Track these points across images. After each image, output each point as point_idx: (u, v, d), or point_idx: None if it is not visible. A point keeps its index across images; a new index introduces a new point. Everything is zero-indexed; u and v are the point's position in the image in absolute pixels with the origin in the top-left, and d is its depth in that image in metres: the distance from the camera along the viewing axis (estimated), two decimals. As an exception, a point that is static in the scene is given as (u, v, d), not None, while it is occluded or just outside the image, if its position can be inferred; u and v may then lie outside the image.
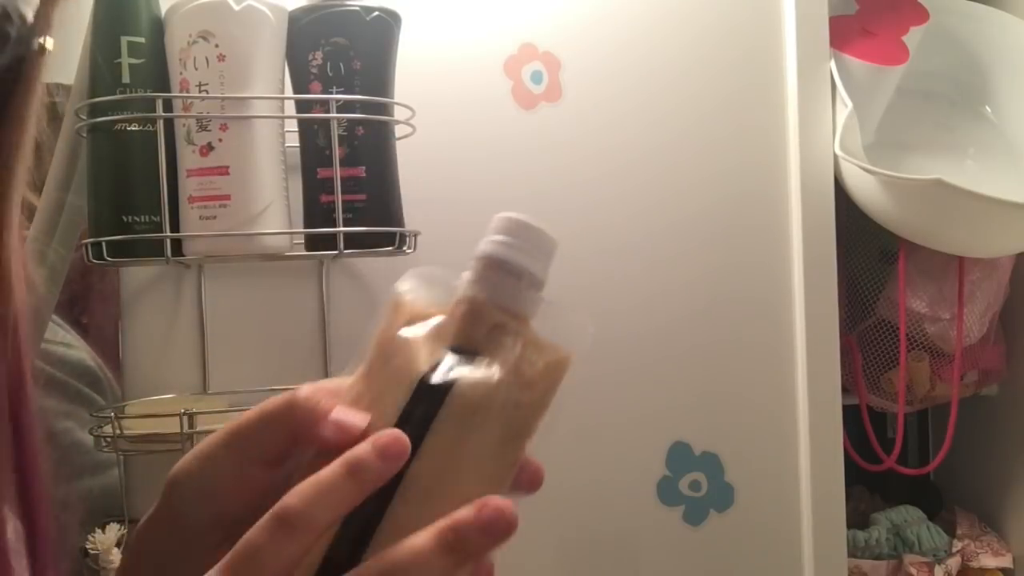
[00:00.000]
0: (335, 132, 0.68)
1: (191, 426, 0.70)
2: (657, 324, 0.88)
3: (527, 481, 0.39)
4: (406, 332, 0.36)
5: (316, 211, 0.71)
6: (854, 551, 0.94)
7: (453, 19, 0.84)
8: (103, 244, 0.66)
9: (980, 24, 1.01)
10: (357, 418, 0.35)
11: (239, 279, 0.80)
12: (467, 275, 0.37)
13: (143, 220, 0.67)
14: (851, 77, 0.90)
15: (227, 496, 0.37)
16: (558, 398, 0.37)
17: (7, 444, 0.31)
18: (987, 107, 1.02)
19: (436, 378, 0.34)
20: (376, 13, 0.70)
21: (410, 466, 0.34)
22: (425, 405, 0.34)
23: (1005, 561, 0.99)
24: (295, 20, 0.70)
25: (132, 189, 0.67)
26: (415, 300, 0.37)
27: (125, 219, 0.67)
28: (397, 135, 0.74)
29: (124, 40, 0.67)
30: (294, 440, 0.36)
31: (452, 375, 0.35)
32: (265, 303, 0.80)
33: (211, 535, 0.37)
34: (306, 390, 0.36)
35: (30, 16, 0.29)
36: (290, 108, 0.72)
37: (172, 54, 0.68)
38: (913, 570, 0.95)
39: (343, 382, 0.37)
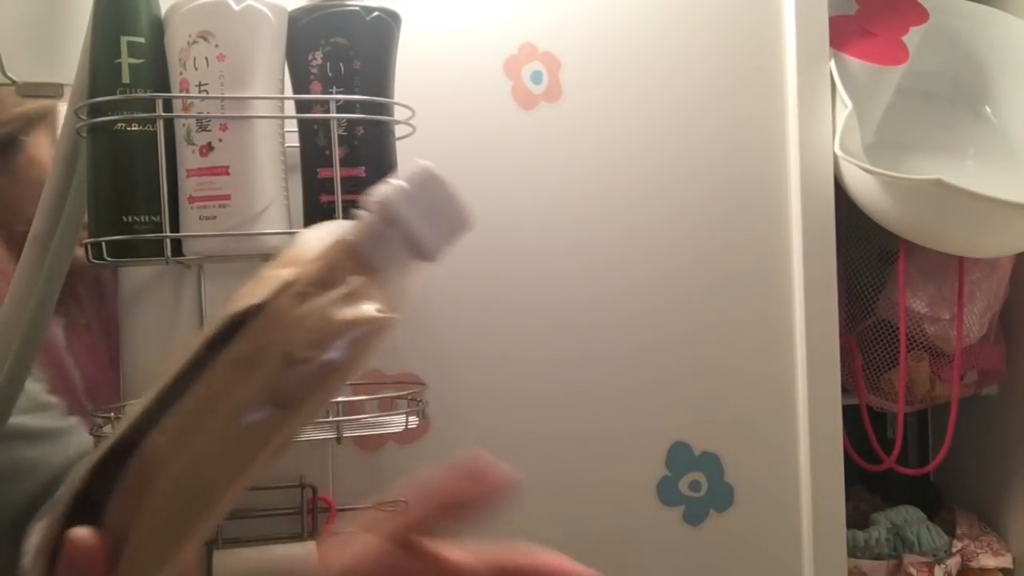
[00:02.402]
0: (335, 132, 0.68)
1: (191, 426, 0.70)
2: (657, 325, 0.88)
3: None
4: (271, 270, 0.33)
5: (316, 211, 0.71)
6: (854, 551, 0.94)
7: (453, 19, 0.84)
8: (103, 244, 0.66)
9: (980, 24, 1.01)
10: None
11: (239, 279, 0.78)
12: (364, 208, 0.34)
13: (143, 220, 0.67)
14: (851, 77, 0.90)
15: None
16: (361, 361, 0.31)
17: None
18: (987, 107, 1.02)
19: (239, 307, 0.31)
20: (376, 13, 0.70)
21: (180, 396, 0.31)
22: (218, 334, 0.31)
23: (1005, 561, 0.99)
24: (295, 20, 0.70)
25: (132, 189, 0.67)
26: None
27: (125, 219, 0.67)
28: (397, 135, 0.74)
29: (124, 40, 0.67)
30: None
31: (250, 304, 0.31)
32: (265, 303, 0.80)
33: None
34: None
35: None
36: (290, 108, 0.72)
37: (172, 54, 0.68)
38: (913, 570, 0.95)
39: None
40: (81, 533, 0.30)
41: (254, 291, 0.32)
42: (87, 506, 0.31)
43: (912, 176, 0.84)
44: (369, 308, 0.31)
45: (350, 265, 0.32)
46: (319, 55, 0.69)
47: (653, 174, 0.88)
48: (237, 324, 0.31)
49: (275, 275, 0.32)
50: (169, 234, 0.67)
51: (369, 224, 0.32)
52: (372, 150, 0.71)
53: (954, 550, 0.98)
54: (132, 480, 0.30)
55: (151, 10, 0.68)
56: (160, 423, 0.30)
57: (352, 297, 0.31)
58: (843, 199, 0.91)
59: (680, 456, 0.88)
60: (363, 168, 0.70)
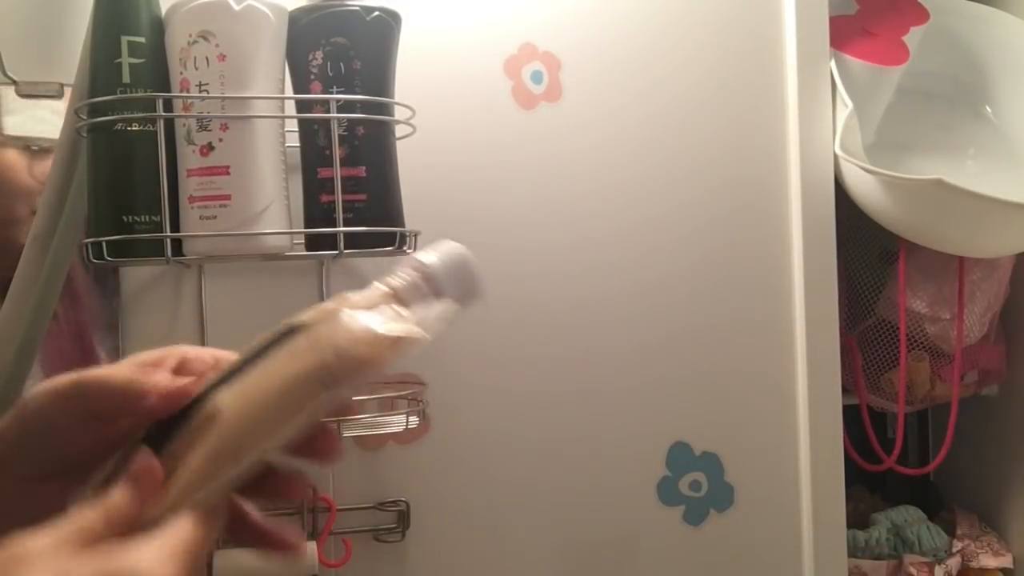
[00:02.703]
0: (335, 132, 0.68)
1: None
2: (657, 324, 0.88)
3: (322, 449, 0.41)
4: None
5: (316, 211, 0.71)
6: (854, 551, 0.94)
7: (453, 19, 0.84)
8: (103, 244, 0.66)
9: (980, 24, 1.01)
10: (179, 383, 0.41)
11: (239, 279, 0.80)
12: (404, 267, 0.44)
13: (143, 220, 0.67)
14: (851, 77, 0.90)
15: (66, 444, 0.41)
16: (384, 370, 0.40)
17: None
18: (987, 107, 1.02)
19: (296, 321, 0.40)
20: (376, 13, 0.70)
21: (244, 371, 0.40)
22: (278, 335, 0.40)
23: (1005, 561, 0.99)
24: (295, 20, 0.70)
25: (132, 189, 0.67)
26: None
27: (125, 219, 0.67)
28: (397, 135, 0.74)
29: (124, 40, 0.67)
30: (129, 407, 0.40)
31: (306, 319, 0.40)
32: (265, 303, 0.80)
33: (46, 481, 0.41)
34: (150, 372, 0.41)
35: None
36: (290, 108, 0.72)
37: (172, 54, 0.68)
38: (913, 570, 0.95)
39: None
40: (145, 454, 0.38)
41: (310, 312, 0.40)
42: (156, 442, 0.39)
43: (912, 176, 0.84)
44: (404, 326, 0.40)
45: (391, 301, 0.42)
46: (319, 55, 0.69)
47: (653, 174, 0.88)
48: (297, 329, 0.40)
49: (332, 304, 0.41)
50: (169, 234, 0.66)
51: (410, 278, 0.43)
52: (372, 150, 0.71)
53: (954, 550, 0.98)
54: (197, 423, 0.38)
55: (151, 10, 0.68)
56: (228, 384, 0.39)
57: (391, 318, 0.41)
58: (843, 199, 0.91)
59: (680, 456, 0.88)
60: (363, 168, 0.70)
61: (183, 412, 0.39)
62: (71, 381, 0.40)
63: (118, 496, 0.36)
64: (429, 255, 0.44)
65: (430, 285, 0.43)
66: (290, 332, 0.39)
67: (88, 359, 0.78)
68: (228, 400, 0.38)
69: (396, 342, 0.40)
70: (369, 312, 0.40)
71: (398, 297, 0.42)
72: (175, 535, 0.35)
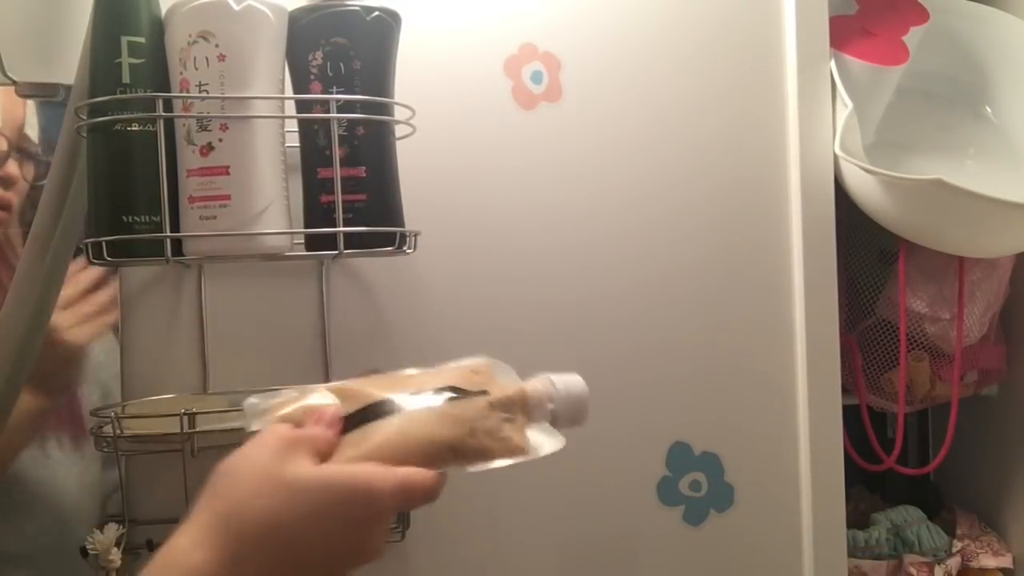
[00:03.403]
0: (335, 132, 0.68)
1: (191, 426, 0.70)
2: (657, 325, 0.88)
3: None
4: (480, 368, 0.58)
5: (316, 211, 0.71)
6: (854, 551, 0.94)
7: (453, 19, 0.84)
8: (103, 244, 0.66)
9: (980, 24, 1.01)
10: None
11: (239, 279, 0.80)
12: (540, 383, 0.57)
13: (143, 220, 0.67)
14: (851, 77, 0.90)
15: None
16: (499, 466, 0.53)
17: None
18: (987, 107, 1.02)
19: (452, 392, 0.54)
20: (376, 13, 0.70)
21: (408, 405, 0.53)
22: (443, 390, 0.54)
23: (1005, 561, 0.99)
24: (295, 20, 0.70)
25: (132, 189, 0.67)
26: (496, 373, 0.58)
27: (125, 219, 0.67)
28: (397, 135, 0.74)
29: (124, 40, 0.67)
30: None
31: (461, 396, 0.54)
32: (265, 303, 0.80)
33: None
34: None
35: None
36: (290, 108, 0.72)
37: (172, 54, 0.68)
38: (913, 570, 0.95)
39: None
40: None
41: (472, 378, 0.56)
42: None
43: (912, 176, 0.84)
44: (522, 439, 0.53)
45: (521, 407, 0.55)
46: (319, 55, 0.69)
47: (653, 174, 0.88)
48: (459, 394, 0.54)
49: (484, 378, 0.56)
50: (169, 234, 0.67)
51: (543, 394, 0.56)
52: (372, 150, 0.71)
53: (954, 550, 0.98)
54: (368, 429, 0.53)
55: (151, 10, 0.68)
56: (395, 412, 0.53)
57: (515, 425, 0.54)
58: (843, 199, 0.91)
59: (680, 456, 0.88)
60: (363, 168, 0.70)
61: (368, 409, 0.53)
62: None
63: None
64: (559, 379, 0.57)
65: (553, 404, 0.56)
66: (451, 394, 0.53)
67: None
68: (389, 428, 0.52)
69: (516, 450, 0.52)
70: (508, 416, 0.53)
71: (528, 403, 0.55)
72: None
